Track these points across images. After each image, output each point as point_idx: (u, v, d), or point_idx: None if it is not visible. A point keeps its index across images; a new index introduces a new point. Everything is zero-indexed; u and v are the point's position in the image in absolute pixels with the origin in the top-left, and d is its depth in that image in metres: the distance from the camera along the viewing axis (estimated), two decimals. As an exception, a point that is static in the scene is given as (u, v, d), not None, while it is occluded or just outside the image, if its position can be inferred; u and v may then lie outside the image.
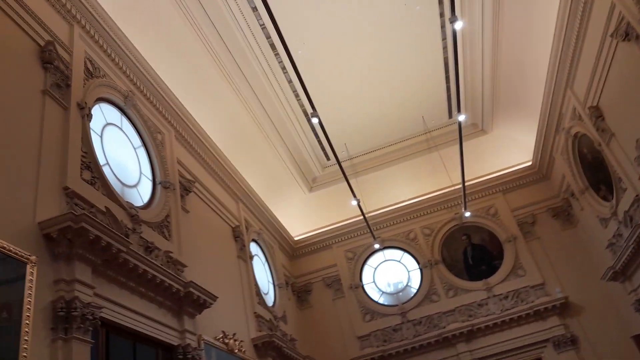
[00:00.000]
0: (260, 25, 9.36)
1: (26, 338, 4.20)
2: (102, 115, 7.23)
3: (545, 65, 10.26)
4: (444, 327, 12.66)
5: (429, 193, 14.19)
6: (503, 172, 13.92)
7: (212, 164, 10.40)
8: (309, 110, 8.80)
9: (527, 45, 10.21)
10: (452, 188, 13.58)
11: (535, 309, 12.08)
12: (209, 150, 10.27)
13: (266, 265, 12.45)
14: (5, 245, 4.32)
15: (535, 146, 12.94)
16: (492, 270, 13.17)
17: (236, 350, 8.39)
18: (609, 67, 8.33)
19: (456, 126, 10.11)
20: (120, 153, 7.39)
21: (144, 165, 7.96)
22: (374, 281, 14.10)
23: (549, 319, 12.08)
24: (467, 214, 12.83)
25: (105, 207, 6.08)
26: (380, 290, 13.94)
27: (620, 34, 7.61)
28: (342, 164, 9.96)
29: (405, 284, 13.83)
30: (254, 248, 11.75)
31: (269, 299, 11.63)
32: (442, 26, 10.33)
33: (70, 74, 6.32)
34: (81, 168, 5.93)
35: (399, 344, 12.78)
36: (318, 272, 14.43)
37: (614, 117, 8.82)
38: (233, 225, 10.72)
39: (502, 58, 10.71)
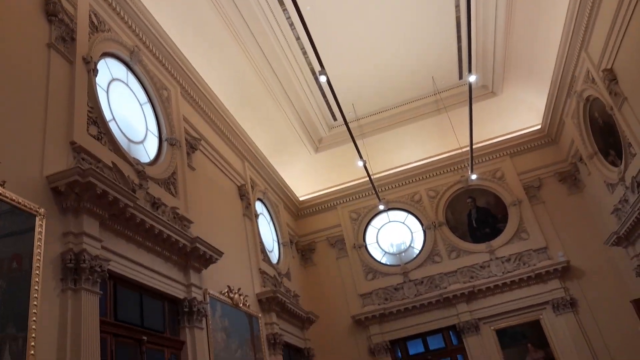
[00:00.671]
0: (268, -20, 9.11)
1: (36, 288, 4.32)
2: (108, 70, 7.17)
3: (560, 26, 9.98)
4: (445, 288, 12.88)
5: (435, 155, 14.13)
6: (511, 136, 13.80)
7: (218, 122, 10.36)
8: (317, 68, 8.68)
9: (543, 5, 9.90)
10: (460, 151, 13.50)
11: (536, 272, 12.23)
12: (214, 108, 10.21)
13: (271, 224, 12.59)
14: (14, 198, 4.38)
15: (545, 109, 12.76)
16: (496, 233, 13.26)
17: (241, 305, 8.60)
18: (626, 29, 8.10)
19: (466, 87, 9.97)
20: (126, 109, 7.36)
21: (150, 122, 7.95)
22: (377, 241, 14.26)
23: (549, 282, 12.24)
24: (473, 176, 12.80)
25: (112, 162, 6.11)
26: (383, 250, 14.12)
27: (639, -7, 7.36)
28: (350, 124, 9.88)
29: (408, 245, 13.99)
30: (259, 207, 11.85)
31: (274, 257, 11.82)
32: (456, -17, 10.03)
33: (75, 27, 6.23)
34: (87, 123, 5.92)
35: (400, 302, 13.04)
36: (322, 232, 14.60)
37: (627, 81, 8.64)
38: (239, 184, 10.78)
39: (516, 18, 10.41)
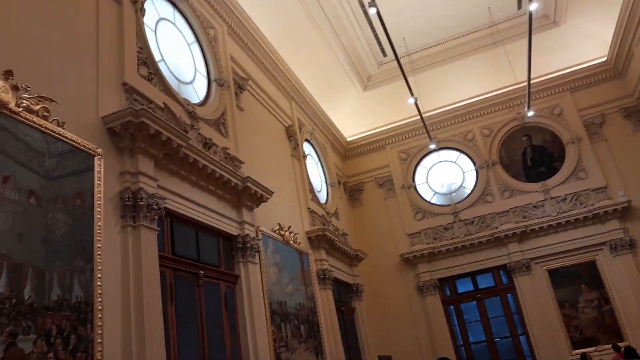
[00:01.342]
0: None
1: (99, 224, 4.54)
2: (155, 9, 7.12)
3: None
4: (497, 228, 12.70)
5: (490, 92, 13.52)
6: (573, 69, 12.94)
7: (265, 62, 10.23)
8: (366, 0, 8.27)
9: None
10: (516, 86, 12.84)
11: (594, 212, 11.80)
12: (261, 46, 10.04)
13: (319, 164, 12.62)
14: (74, 138, 4.53)
15: (612, 40, 11.80)
16: (551, 172, 12.79)
17: (291, 242, 8.81)
18: None
19: (525, 18, 9.29)
20: (175, 49, 7.35)
21: (199, 62, 7.94)
22: (427, 182, 14.08)
23: (608, 223, 11.81)
24: (530, 113, 12.20)
25: (163, 103, 6.18)
26: (433, 190, 13.96)
27: None
28: (400, 60, 9.49)
29: (459, 185, 13.75)
30: (306, 148, 11.86)
31: (322, 197, 11.94)
32: None
33: (119, -35, 6.15)
34: (138, 64, 5.97)
35: (450, 242, 13.01)
36: (370, 172, 14.54)
37: None
38: (286, 125, 10.77)
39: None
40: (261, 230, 7.74)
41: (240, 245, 7.09)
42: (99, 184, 4.67)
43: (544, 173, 12.87)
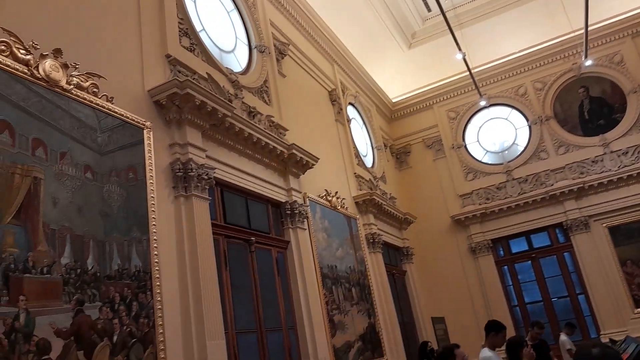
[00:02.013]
0: None
1: (152, 195, 4.68)
2: (193, -21, 7.08)
3: None
4: (552, 185, 12.23)
5: (543, 42, 12.77)
6: (634, 12, 11.99)
7: (305, 25, 10.05)
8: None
9: None
10: (571, 35, 12.06)
11: (659, 165, 11.14)
12: (301, 10, 9.85)
13: (364, 128, 12.46)
14: (123, 113, 4.64)
15: (681, -24, 10.82)
16: (611, 124, 12.09)
17: (339, 207, 8.83)
18: None
19: (581, -42, 8.59)
20: (214, 18, 7.33)
21: (239, 30, 7.89)
22: (477, 140, 13.66)
23: (674, 175, 11.14)
24: (588, 62, 11.47)
25: (207, 73, 6.21)
26: (484, 149, 13.54)
27: None
28: (446, 14, 9.08)
29: (511, 143, 13.26)
30: (351, 111, 11.70)
31: (368, 161, 11.83)
32: None
33: None
34: (179, 35, 5.99)
35: (503, 201, 12.67)
36: (417, 134, 14.24)
37: None
38: (329, 89, 10.63)
39: None
40: (308, 197, 7.78)
41: (289, 212, 7.17)
42: (149, 156, 4.79)
43: (603, 126, 12.18)
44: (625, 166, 11.62)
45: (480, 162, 13.40)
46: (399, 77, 13.84)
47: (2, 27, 3.72)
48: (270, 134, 6.84)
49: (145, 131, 4.82)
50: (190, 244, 4.94)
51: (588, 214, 11.77)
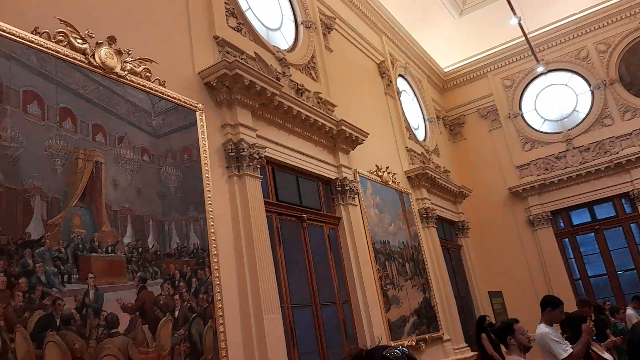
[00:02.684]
0: None
1: (207, 175, 4.81)
2: (237, -42, 7.06)
3: None
4: (617, 153, 11.57)
5: (606, 0, 11.93)
6: None
7: (351, -3, 9.86)
8: None
9: None
10: (639, -10, 11.21)
11: None
12: (347, -18, 9.67)
13: (415, 100, 12.19)
14: (175, 96, 4.76)
15: None
16: (685, 86, 11.24)
17: (390, 182, 8.74)
18: None
19: None
20: (260, -4, 7.31)
21: (285, 6, 7.85)
22: (535, 109, 13.08)
23: None
24: (657, 20, 10.65)
25: (254, 52, 6.24)
26: (542, 117, 12.95)
27: None
28: (497, -23, 8.66)
29: (572, 109, 12.60)
30: (401, 83, 11.46)
31: (420, 134, 11.60)
32: None
33: None
34: (226, 15, 6.03)
35: (563, 171, 12.13)
36: (471, 104, 13.80)
37: None
38: (378, 62, 10.43)
39: None
40: (358, 173, 7.74)
41: (339, 189, 7.17)
42: (202, 137, 4.91)
43: (675, 88, 11.35)
44: (701, 130, 10.80)
45: (538, 131, 12.85)
46: (450, 46, 13.37)
47: (59, 18, 3.87)
48: (318, 111, 6.83)
49: (197, 113, 4.93)
50: (245, 221, 5.06)
51: (658, 182, 11.10)
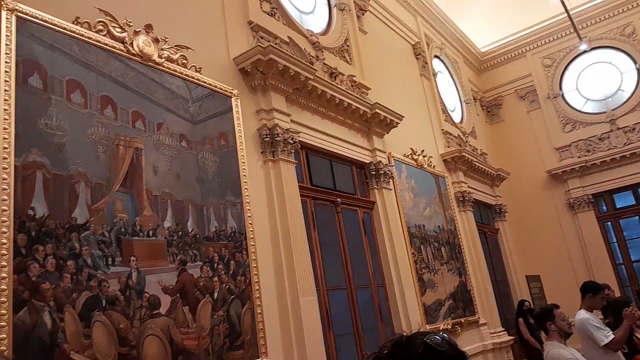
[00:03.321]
0: None
1: (243, 161, 4.88)
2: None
3: None
4: (665, 134, 11.09)
5: (655, -28, 11.34)
6: None
7: (385, -22, 9.68)
8: None
9: None
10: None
11: None
12: (380, -38, 9.49)
13: (451, 82, 11.94)
14: (211, 82, 4.82)
15: None
16: None
17: (425, 166, 8.64)
18: None
19: None
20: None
21: (317, -11, 7.78)
22: (576, 88, 12.61)
23: None
24: None
25: (288, 37, 6.23)
26: (584, 97, 12.48)
27: None
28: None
29: (616, 89, 12.09)
30: (436, 64, 11.24)
31: (456, 116, 11.38)
32: None
33: None
34: (260, 0, 6.03)
35: (606, 153, 11.70)
36: (509, 84, 13.42)
37: None
38: (413, 43, 10.24)
39: None
40: (393, 156, 7.68)
41: (374, 173, 7.14)
42: (238, 123, 4.96)
43: None
44: None
45: (579, 111, 12.41)
46: (487, 25, 12.98)
47: (98, 8, 3.96)
48: (352, 95, 6.79)
49: (233, 99, 4.99)
50: (280, 206, 5.12)
51: None
